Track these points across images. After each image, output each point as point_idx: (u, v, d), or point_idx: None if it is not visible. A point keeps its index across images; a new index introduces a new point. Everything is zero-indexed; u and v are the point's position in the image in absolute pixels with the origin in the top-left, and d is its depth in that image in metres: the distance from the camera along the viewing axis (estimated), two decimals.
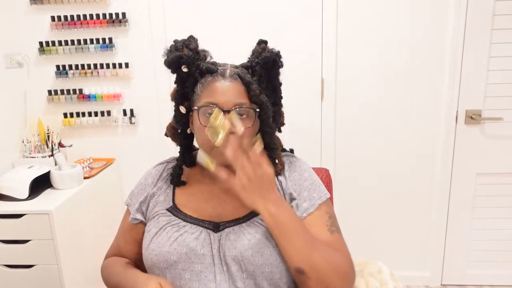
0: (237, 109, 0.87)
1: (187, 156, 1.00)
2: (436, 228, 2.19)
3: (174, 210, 0.93)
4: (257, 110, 0.90)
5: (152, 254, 0.88)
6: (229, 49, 1.67)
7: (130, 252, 1.03)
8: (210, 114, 0.86)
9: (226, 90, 0.87)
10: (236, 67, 0.94)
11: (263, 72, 0.92)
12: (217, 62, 0.95)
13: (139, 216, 0.99)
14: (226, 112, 0.86)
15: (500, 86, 1.99)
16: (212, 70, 0.90)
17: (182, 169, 0.99)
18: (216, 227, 0.89)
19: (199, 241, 0.87)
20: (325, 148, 2.14)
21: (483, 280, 2.24)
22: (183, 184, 0.98)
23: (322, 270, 0.80)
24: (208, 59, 0.95)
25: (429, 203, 2.18)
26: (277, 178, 0.95)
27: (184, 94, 0.94)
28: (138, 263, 1.02)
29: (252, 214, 0.89)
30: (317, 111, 2.10)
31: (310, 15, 1.99)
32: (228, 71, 0.90)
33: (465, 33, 1.94)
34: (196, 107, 0.90)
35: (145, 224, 0.99)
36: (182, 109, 0.94)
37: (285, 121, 1.03)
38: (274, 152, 0.94)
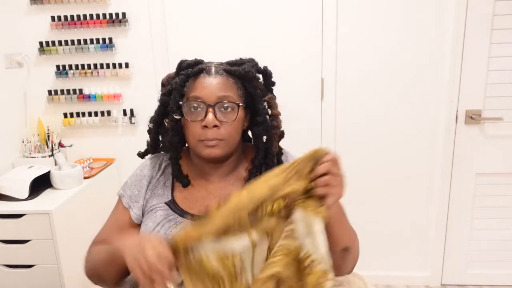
0: (221, 103, 0.88)
1: (178, 147, 0.98)
2: (436, 228, 2.19)
3: (173, 204, 0.94)
4: (241, 105, 0.91)
5: None
6: (228, 49, 1.67)
7: None
8: (195, 108, 0.89)
9: (209, 84, 0.89)
10: (221, 64, 0.95)
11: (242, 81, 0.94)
12: (202, 60, 0.96)
13: (139, 212, 0.99)
14: (209, 106, 0.87)
15: (500, 86, 1.99)
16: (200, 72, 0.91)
17: (180, 165, 0.97)
18: None
19: None
20: None
21: (483, 280, 2.24)
22: (188, 183, 0.97)
23: (356, 242, 0.92)
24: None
25: (429, 203, 2.18)
26: None
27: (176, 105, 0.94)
28: None
29: None
30: (317, 111, 2.10)
31: (310, 15, 1.99)
32: (213, 68, 0.92)
33: (465, 33, 1.93)
34: (181, 102, 0.91)
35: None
36: (176, 116, 0.92)
37: (282, 127, 1.00)
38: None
